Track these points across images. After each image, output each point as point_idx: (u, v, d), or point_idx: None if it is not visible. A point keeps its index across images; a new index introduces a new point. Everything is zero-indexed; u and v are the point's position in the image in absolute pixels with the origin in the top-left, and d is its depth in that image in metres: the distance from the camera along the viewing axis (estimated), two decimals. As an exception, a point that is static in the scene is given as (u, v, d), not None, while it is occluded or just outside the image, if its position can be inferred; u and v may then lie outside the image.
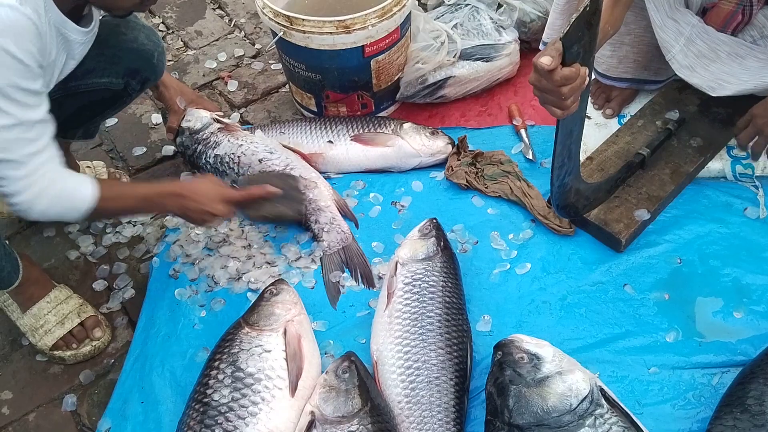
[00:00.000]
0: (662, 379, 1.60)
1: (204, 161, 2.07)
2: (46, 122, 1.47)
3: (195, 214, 1.76)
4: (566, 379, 1.38)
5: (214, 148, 2.06)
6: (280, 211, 1.84)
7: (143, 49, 1.82)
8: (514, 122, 2.23)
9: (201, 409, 1.49)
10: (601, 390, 1.38)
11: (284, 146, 2.11)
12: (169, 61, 2.68)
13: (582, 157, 2.02)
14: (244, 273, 1.89)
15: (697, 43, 1.80)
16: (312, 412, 1.47)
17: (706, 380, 1.60)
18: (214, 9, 2.94)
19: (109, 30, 1.73)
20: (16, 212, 1.53)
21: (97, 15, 1.63)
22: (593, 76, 2.17)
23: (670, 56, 1.85)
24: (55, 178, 1.49)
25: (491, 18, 2.35)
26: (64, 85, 1.66)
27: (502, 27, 2.35)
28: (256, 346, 1.59)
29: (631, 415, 1.37)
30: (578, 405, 1.34)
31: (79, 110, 1.85)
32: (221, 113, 2.19)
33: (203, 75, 2.61)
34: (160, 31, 2.82)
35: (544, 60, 1.29)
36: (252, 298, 1.79)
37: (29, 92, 1.39)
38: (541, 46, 2.14)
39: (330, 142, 2.15)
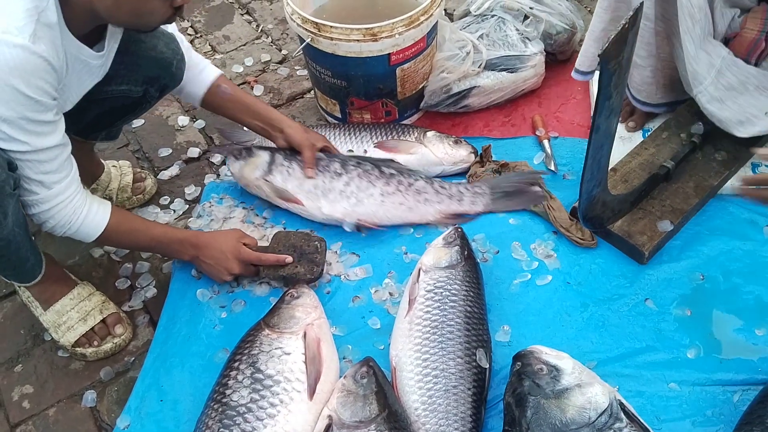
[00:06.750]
0: (682, 395, 1.59)
1: None
2: (61, 146, 1.53)
3: (208, 267, 1.84)
4: (585, 392, 1.37)
5: None
6: (296, 271, 1.84)
7: (162, 57, 1.82)
8: (537, 133, 2.23)
9: (219, 409, 1.50)
10: (621, 404, 1.37)
11: None
12: (197, 64, 2.71)
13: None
14: (265, 275, 1.90)
15: (726, 76, 1.79)
16: (329, 416, 1.47)
17: (727, 397, 1.58)
18: (242, 14, 2.97)
19: (128, 38, 1.74)
20: (35, 221, 1.63)
21: (113, 36, 1.65)
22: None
23: (700, 88, 1.83)
24: (66, 201, 1.59)
25: (517, 29, 2.35)
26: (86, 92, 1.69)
27: (528, 38, 2.35)
28: (275, 349, 1.60)
29: (650, 430, 1.36)
30: (597, 418, 1.33)
31: (99, 116, 1.87)
32: None
33: (230, 79, 2.62)
34: (188, 35, 2.85)
35: None
36: (272, 300, 1.80)
37: (42, 123, 1.46)
38: (573, 74, 2.13)
39: (350, 150, 2.16)
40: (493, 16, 2.39)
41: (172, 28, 1.90)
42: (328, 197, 1.98)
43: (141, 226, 1.79)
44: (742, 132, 1.86)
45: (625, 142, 2.13)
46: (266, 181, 2.02)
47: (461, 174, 2.15)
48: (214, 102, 2.01)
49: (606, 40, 1.32)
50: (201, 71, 1.98)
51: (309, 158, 2.00)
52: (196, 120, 2.47)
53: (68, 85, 1.55)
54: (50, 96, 1.45)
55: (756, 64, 1.81)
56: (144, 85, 1.84)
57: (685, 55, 1.79)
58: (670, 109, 2.13)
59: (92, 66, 1.60)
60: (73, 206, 1.60)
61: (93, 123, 1.89)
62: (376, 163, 2.04)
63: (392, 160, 2.08)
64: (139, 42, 1.77)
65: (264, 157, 2.05)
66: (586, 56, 2.05)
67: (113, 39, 1.65)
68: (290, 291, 1.75)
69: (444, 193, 2.00)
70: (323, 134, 2.21)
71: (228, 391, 1.53)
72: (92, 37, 1.58)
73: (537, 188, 1.99)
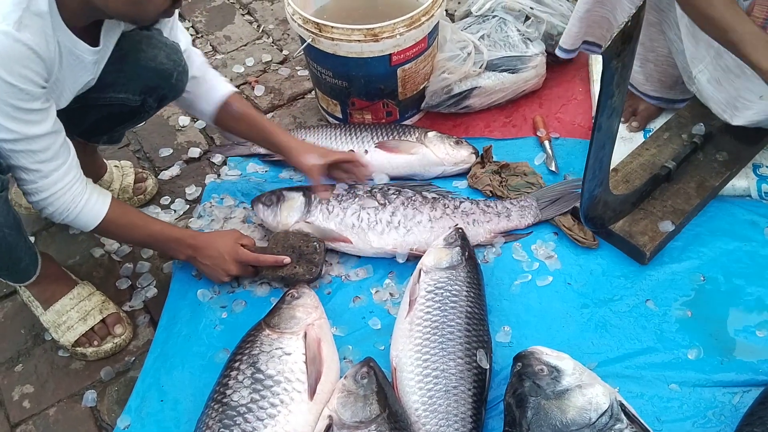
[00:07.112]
0: (683, 397, 1.59)
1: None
2: (53, 134, 1.52)
3: (206, 269, 1.84)
4: (586, 393, 1.37)
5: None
6: (294, 272, 1.84)
7: (162, 68, 1.78)
8: (538, 133, 2.23)
9: (220, 409, 1.50)
10: (621, 405, 1.37)
11: None
12: (198, 64, 2.71)
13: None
14: (264, 275, 1.90)
15: (725, 57, 1.79)
16: (330, 417, 1.47)
17: (727, 399, 1.58)
18: (243, 14, 2.97)
19: (130, 46, 1.72)
20: (34, 209, 1.64)
21: (108, 33, 1.63)
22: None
23: (701, 67, 1.82)
24: (65, 188, 1.59)
25: (518, 30, 2.35)
26: (85, 96, 1.68)
27: (529, 39, 2.35)
28: (276, 349, 1.60)
29: (651, 431, 1.36)
30: (597, 419, 1.33)
31: (98, 121, 1.85)
32: None
33: (231, 79, 2.62)
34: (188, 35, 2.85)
35: None
36: (273, 300, 1.80)
37: (29, 111, 1.44)
38: (557, 51, 2.14)
39: (351, 151, 2.16)
40: (494, 16, 2.39)
41: (186, 39, 1.92)
42: (375, 230, 1.91)
43: (140, 221, 1.79)
44: (737, 117, 1.85)
45: (626, 143, 2.13)
46: (307, 223, 1.94)
47: (462, 175, 2.15)
48: (224, 121, 2.00)
49: (608, 37, 1.32)
50: (212, 87, 1.96)
51: (315, 182, 1.98)
52: (197, 120, 2.47)
53: (61, 79, 1.53)
54: (36, 84, 1.42)
55: None
56: (142, 95, 1.81)
57: (683, 34, 1.79)
58: (661, 104, 2.13)
59: (87, 62, 1.58)
60: (72, 193, 1.60)
61: (92, 128, 1.89)
62: (415, 189, 2.01)
63: (430, 184, 2.08)
64: (140, 51, 1.75)
65: (299, 198, 1.98)
66: (569, 35, 2.07)
67: (109, 35, 1.63)
68: (291, 291, 1.75)
69: (491, 212, 1.96)
70: (324, 135, 2.22)
71: (228, 391, 1.53)
72: (92, 34, 1.57)
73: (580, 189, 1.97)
